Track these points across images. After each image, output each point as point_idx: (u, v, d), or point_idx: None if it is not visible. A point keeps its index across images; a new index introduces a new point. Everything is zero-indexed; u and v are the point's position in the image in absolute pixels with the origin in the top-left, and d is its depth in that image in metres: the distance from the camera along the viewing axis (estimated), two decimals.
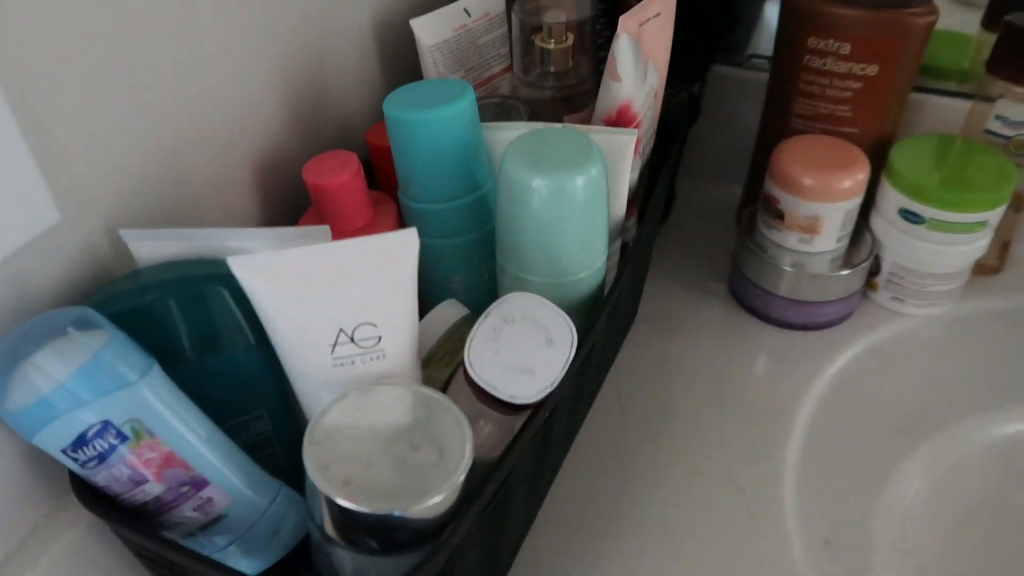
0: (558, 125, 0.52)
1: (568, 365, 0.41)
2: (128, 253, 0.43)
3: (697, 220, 0.85)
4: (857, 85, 0.67)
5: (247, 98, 0.51)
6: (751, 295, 0.72)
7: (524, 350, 0.41)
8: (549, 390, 0.40)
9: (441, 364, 0.49)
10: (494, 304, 0.43)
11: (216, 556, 0.40)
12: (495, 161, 0.52)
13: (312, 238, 0.43)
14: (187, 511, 0.39)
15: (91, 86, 0.40)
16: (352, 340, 0.40)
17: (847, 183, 0.65)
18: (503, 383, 0.40)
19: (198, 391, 0.40)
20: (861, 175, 0.65)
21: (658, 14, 0.55)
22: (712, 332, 0.72)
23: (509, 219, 0.47)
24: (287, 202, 0.57)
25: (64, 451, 0.36)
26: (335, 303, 0.39)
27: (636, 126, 0.55)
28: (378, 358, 0.41)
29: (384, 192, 0.55)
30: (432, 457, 0.37)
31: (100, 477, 0.38)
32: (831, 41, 0.66)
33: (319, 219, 0.52)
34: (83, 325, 0.36)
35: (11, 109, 0.35)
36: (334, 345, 0.40)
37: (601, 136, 0.50)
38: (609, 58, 0.53)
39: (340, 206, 0.51)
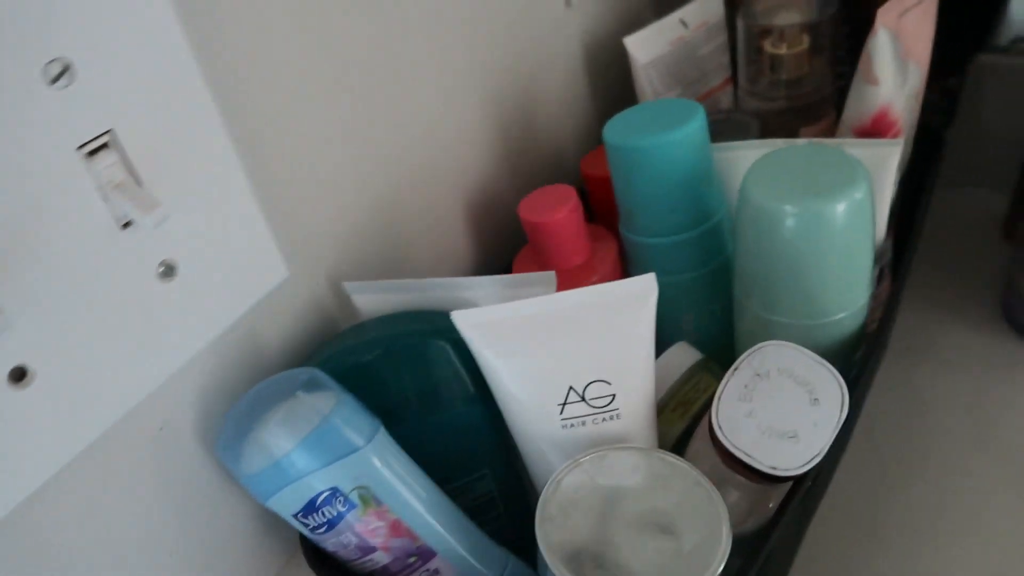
0: (802, 140, 0.45)
1: (839, 429, 0.34)
2: (352, 304, 0.42)
3: (951, 232, 0.73)
4: None
5: (459, 139, 0.50)
6: None
7: (784, 411, 0.35)
8: (818, 459, 0.34)
9: (674, 416, 0.44)
10: (744, 356, 0.37)
11: None
12: (728, 186, 0.47)
13: (537, 285, 0.39)
14: None
15: (313, 144, 0.39)
16: (583, 399, 0.36)
17: None
18: (761, 451, 0.34)
19: (420, 450, 0.38)
20: None
21: (921, 0, 0.47)
22: (977, 363, 0.61)
23: (753, 252, 0.41)
24: (501, 239, 0.55)
25: (295, 516, 0.35)
26: (564, 359, 0.35)
27: (896, 134, 0.47)
28: (611, 418, 0.36)
29: (602, 225, 0.51)
30: (681, 542, 0.32)
31: (330, 543, 0.36)
32: None
33: (535, 256, 0.49)
34: (311, 387, 0.35)
35: (247, 175, 0.35)
36: (564, 404, 0.36)
37: (857, 150, 0.43)
38: (863, 58, 0.45)
39: (557, 243, 0.48)
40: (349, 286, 0.41)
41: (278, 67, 0.37)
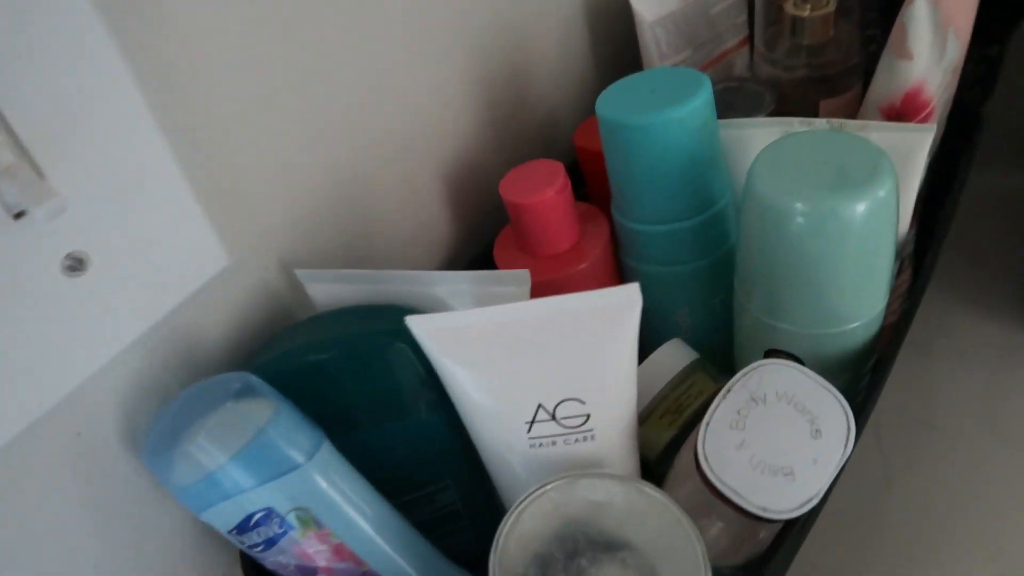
0: (820, 122, 0.40)
1: (842, 467, 0.30)
2: (307, 294, 0.38)
3: (979, 216, 0.68)
4: None
5: (437, 103, 0.44)
6: None
7: (780, 443, 0.31)
8: (814, 502, 0.29)
9: (662, 424, 0.40)
10: (738, 376, 0.33)
11: None
12: (736, 167, 0.42)
13: (510, 284, 0.35)
14: None
15: (258, 110, 0.35)
16: (554, 418, 0.32)
17: None
18: (750, 488, 0.30)
19: (377, 459, 0.34)
20: None
21: None
22: (1004, 360, 0.56)
23: (757, 250, 0.36)
24: (483, 216, 0.50)
25: (231, 532, 0.32)
26: (533, 375, 0.31)
27: (928, 116, 0.42)
28: (585, 439, 0.32)
29: (595, 204, 0.47)
30: None
31: (268, 562, 0.33)
32: None
33: (517, 240, 0.44)
34: (245, 395, 0.31)
35: (173, 151, 0.30)
36: (532, 422, 0.32)
37: (883, 134, 0.38)
38: (896, 29, 0.40)
39: (543, 226, 0.43)
40: (302, 274, 0.37)
41: (211, 20, 0.32)
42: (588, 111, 0.55)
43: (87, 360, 0.30)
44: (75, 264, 0.28)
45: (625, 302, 0.30)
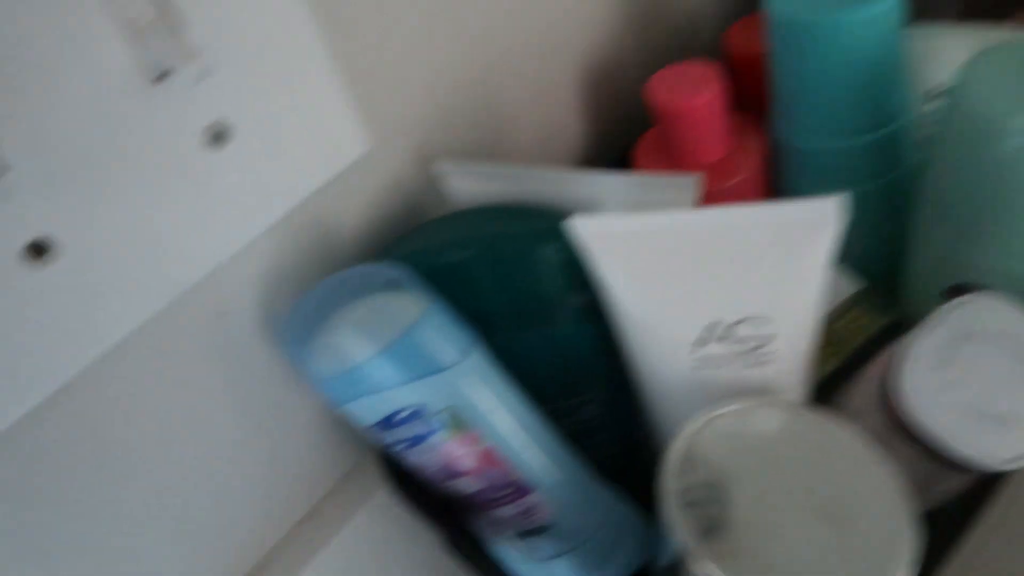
0: None
1: None
2: (446, 189, 0.35)
3: None
4: None
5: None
6: None
7: (991, 388, 0.27)
8: None
9: (824, 354, 0.36)
10: (941, 311, 0.29)
11: (543, 565, 0.33)
12: (921, 80, 0.37)
13: (675, 190, 0.31)
14: (507, 513, 0.32)
15: None
16: (727, 339, 0.29)
17: None
18: (957, 434, 0.26)
19: (515, 367, 0.32)
20: None
21: None
22: None
23: (961, 173, 0.32)
24: (620, 120, 0.46)
25: (372, 427, 0.30)
26: (712, 290, 0.28)
27: None
28: (760, 363, 0.29)
29: (746, 114, 0.42)
30: (847, 535, 0.25)
31: (409, 460, 0.31)
32: None
33: (663, 147, 0.41)
34: (397, 288, 0.29)
35: (317, 28, 0.27)
36: (701, 342, 0.29)
37: None
38: None
39: (692, 134, 0.39)
40: (443, 168, 0.34)
41: None
42: (736, 11, 0.50)
43: (231, 238, 0.28)
44: (217, 136, 0.26)
45: (824, 215, 0.27)
